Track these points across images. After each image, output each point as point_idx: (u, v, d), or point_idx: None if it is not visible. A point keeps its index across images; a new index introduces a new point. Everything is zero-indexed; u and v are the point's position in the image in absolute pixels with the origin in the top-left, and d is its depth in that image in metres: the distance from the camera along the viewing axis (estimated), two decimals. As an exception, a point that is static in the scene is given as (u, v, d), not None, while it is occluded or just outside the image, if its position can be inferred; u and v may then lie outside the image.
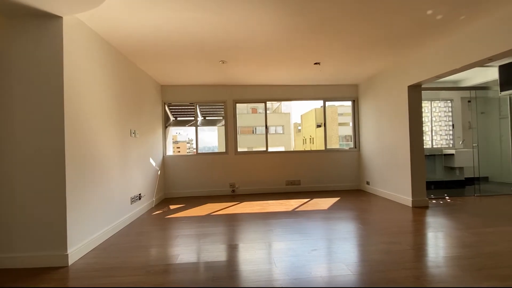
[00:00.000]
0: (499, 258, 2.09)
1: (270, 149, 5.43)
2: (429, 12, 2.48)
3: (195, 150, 5.40)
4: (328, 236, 2.72)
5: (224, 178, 5.23)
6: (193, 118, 5.36)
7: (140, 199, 3.78)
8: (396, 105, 4.16)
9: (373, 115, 4.89)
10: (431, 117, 5.66)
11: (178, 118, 5.57)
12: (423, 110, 5.69)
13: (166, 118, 5.29)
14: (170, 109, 5.39)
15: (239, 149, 5.34)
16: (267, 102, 5.43)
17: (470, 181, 5.46)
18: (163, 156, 5.07)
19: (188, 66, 3.96)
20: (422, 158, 3.89)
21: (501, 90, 4.33)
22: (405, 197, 3.98)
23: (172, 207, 4.25)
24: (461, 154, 5.31)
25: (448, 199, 4.30)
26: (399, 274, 1.86)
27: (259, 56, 3.59)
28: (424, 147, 5.69)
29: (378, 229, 2.90)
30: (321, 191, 5.26)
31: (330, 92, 5.48)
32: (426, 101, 5.66)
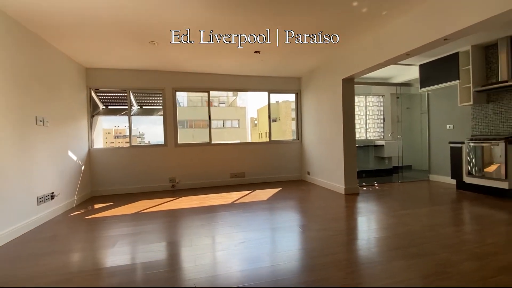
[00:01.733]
0: (410, 237, 2.26)
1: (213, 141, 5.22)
2: (355, 3, 2.54)
3: (133, 143, 4.89)
4: (261, 227, 2.66)
5: (163, 173, 4.85)
6: (126, 107, 4.82)
7: (52, 198, 3.23)
8: (333, 98, 4.32)
9: (314, 108, 5.03)
10: (366, 111, 6.10)
11: (110, 107, 4.97)
12: (359, 104, 6.10)
13: (94, 106, 4.66)
14: (98, 96, 4.75)
15: (180, 142, 5.01)
16: (210, 91, 5.18)
17: (397, 169, 6.08)
18: (89, 149, 4.46)
19: (115, 46, 3.48)
20: (354, 149, 4.12)
21: (421, 87, 4.84)
22: (339, 185, 4.19)
23: (97, 206, 3.75)
24: (389, 145, 5.86)
25: (377, 186, 4.68)
26: (325, 260, 1.86)
27: (192, 39, 3.32)
28: (359, 138, 6.17)
29: (311, 216, 2.96)
30: (265, 183, 5.26)
31: (274, 84, 5.47)
32: (361, 96, 6.07)
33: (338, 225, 2.64)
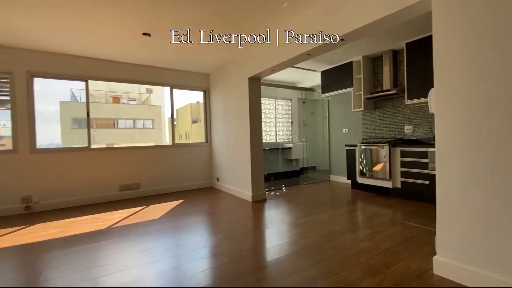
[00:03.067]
0: (311, 253, 2.02)
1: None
2: (253, -15, 2.18)
3: None
4: (134, 263, 1.96)
5: (11, 190, 3.43)
6: None
7: None
8: (240, 98, 3.97)
9: (223, 108, 4.59)
10: (275, 114, 6.10)
11: None
12: (269, 107, 6.05)
13: None
14: None
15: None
16: (90, 80, 4.03)
17: (304, 170, 6.32)
18: None
19: None
20: (261, 153, 3.87)
21: (322, 93, 5.07)
22: (247, 193, 3.86)
23: None
24: (296, 147, 6.00)
25: (284, 189, 4.60)
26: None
27: None
28: (270, 141, 6.14)
29: (206, 238, 2.43)
30: (166, 194, 4.47)
31: (179, 79, 4.75)
32: (271, 99, 6.03)
33: (238, 246, 2.21)
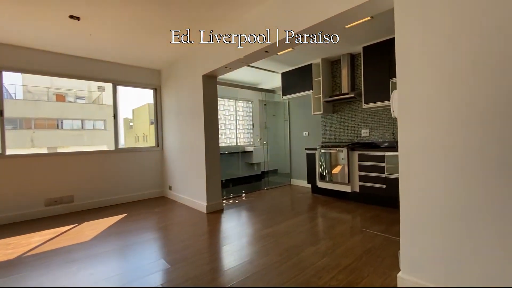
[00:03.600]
0: (268, 278, 1.76)
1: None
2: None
3: None
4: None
5: None
6: None
7: None
8: (194, 97, 3.59)
9: (175, 108, 4.14)
10: (236, 116, 5.82)
11: None
12: (229, 108, 5.73)
13: None
14: None
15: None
16: (3, 71, 3.27)
17: (265, 174, 6.14)
18: None
19: None
20: (217, 158, 3.53)
21: (283, 95, 4.93)
22: (201, 203, 3.48)
23: None
24: (258, 150, 5.79)
25: (244, 196, 4.32)
26: None
27: None
28: (230, 144, 5.84)
29: (148, 256, 2.02)
30: (107, 207, 3.86)
31: (124, 75, 4.18)
32: (231, 100, 5.73)
33: (190, 271, 1.85)
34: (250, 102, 6.17)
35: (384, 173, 3.33)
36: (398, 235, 2.40)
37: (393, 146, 3.60)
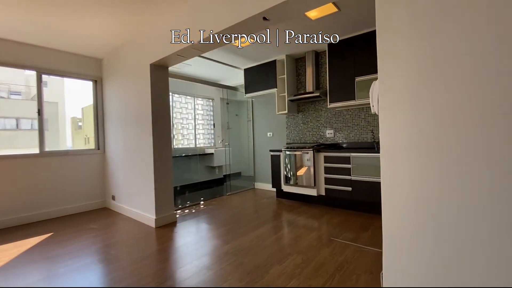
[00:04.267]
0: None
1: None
2: None
3: None
4: None
5: None
6: None
7: None
8: (140, 91, 3.05)
9: (119, 104, 3.52)
10: (195, 115, 5.31)
11: None
12: (187, 106, 5.21)
13: None
14: None
15: None
16: None
17: (227, 178, 5.74)
18: None
19: None
20: (168, 162, 3.04)
21: (246, 93, 4.59)
22: (149, 216, 2.96)
23: None
24: (219, 153, 5.36)
25: (202, 204, 3.86)
26: None
27: None
28: (188, 146, 5.31)
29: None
30: (28, 225, 3.09)
31: (53, 61, 3.42)
32: (189, 97, 5.21)
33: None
34: (210, 100, 5.72)
35: (350, 175, 3.19)
36: (369, 244, 2.21)
37: (359, 147, 3.50)
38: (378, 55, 1.28)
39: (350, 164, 3.19)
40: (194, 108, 5.30)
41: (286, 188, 3.81)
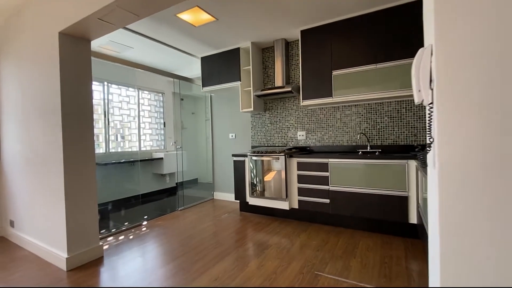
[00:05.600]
0: None
1: None
2: None
3: None
4: None
5: None
6: None
7: None
8: (44, 71, 2.11)
9: (17, 91, 2.48)
10: (139, 111, 4.36)
11: None
12: (128, 100, 4.24)
13: None
14: None
15: None
16: None
17: (180, 187, 4.92)
18: None
19: None
20: (91, 175, 2.16)
21: (203, 86, 3.86)
22: (58, 253, 2.04)
23: None
24: (171, 157, 4.50)
25: (145, 226, 3.01)
26: None
27: None
28: (129, 150, 4.30)
29: None
30: None
31: None
32: (132, 89, 4.25)
33: None
34: (160, 95, 4.81)
35: (328, 184, 2.71)
36: (365, 279, 1.70)
37: (337, 152, 3.06)
38: (435, 11, 0.72)
39: (328, 171, 2.70)
40: (139, 103, 4.35)
41: (252, 200, 3.18)
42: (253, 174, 3.16)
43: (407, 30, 2.46)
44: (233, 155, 3.39)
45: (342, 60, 2.80)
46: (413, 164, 2.30)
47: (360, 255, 2.10)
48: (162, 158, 4.35)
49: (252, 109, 3.42)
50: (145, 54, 3.83)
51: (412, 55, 2.45)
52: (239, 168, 3.33)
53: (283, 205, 2.92)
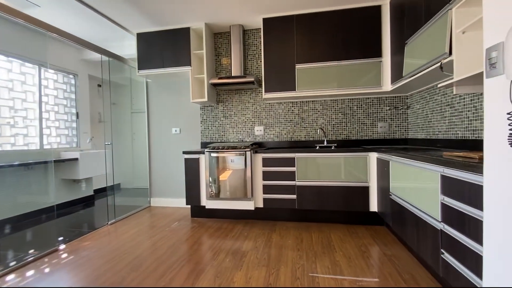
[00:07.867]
0: None
1: None
2: None
3: None
4: None
5: None
6: None
7: None
8: None
9: None
10: (40, 96, 3.21)
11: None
12: (24, 80, 3.05)
13: None
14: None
15: None
16: None
17: (101, 191, 3.96)
18: None
19: None
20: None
21: (139, 69, 3.15)
22: None
23: None
24: (89, 157, 3.52)
25: (63, 251, 2.17)
26: None
27: None
28: (25, 148, 3.08)
29: None
30: None
31: None
32: (29, 64, 3.07)
33: None
34: (72, 77, 3.70)
35: (294, 180, 2.63)
36: (356, 274, 1.66)
37: (303, 147, 3.02)
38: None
39: (295, 166, 2.62)
40: (40, 84, 3.20)
41: (210, 203, 2.78)
42: (211, 173, 2.76)
43: (366, 32, 2.64)
44: (185, 152, 2.89)
45: (305, 54, 2.78)
46: (373, 156, 2.47)
47: (339, 248, 2.09)
48: (77, 159, 3.33)
49: (206, 99, 3.00)
50: (59, 18, 2.83)
51: (368, 56, 2.67)
52: (192, 167, 2.86)
53: (248, 205, 2.67)
